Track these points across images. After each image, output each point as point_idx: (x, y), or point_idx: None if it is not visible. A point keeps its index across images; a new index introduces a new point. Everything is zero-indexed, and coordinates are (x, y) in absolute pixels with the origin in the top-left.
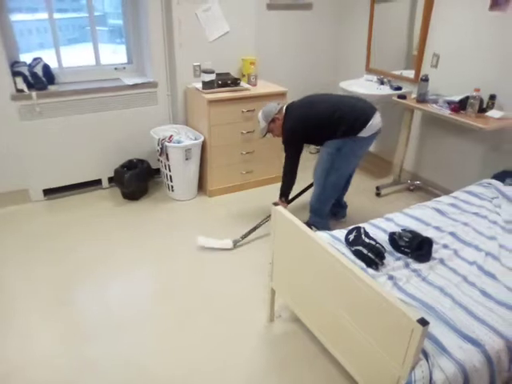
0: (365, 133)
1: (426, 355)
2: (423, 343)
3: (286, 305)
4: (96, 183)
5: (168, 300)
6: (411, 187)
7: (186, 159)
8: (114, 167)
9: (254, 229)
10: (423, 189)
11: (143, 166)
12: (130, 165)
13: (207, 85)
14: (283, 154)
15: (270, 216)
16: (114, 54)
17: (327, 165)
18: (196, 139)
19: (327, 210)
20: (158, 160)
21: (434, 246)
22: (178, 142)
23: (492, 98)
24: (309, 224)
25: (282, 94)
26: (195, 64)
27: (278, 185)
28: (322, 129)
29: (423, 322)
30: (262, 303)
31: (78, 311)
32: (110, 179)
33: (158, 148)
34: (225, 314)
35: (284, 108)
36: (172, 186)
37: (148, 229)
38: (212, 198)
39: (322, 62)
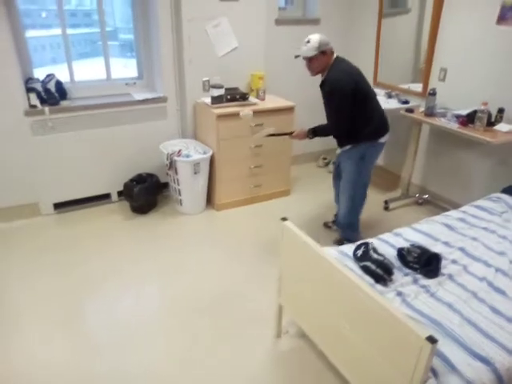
0: (384, 138)
1: (434, 373)
2: (432, 361)
3: (294, 320)
4: (105, 197)
5: (175, 314)
6: (420, 201)
7: (195, 173)
8: (123, 181)
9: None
10: (432, 202)
11: (152, 180)
12: (139, 179)
13: (216, 99)
14: (290, 168)
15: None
16: (125, 68)
17: (354, 176)
18: (205, 153)
19: (358, 221)
20: (167, 174)
21: (443, 262)
22: (187, 157)
23: (500, 111)
24: (341, 241)
25: (290, 109)
26: (204, 79)
27: (287, 198)
28: (360, 109)
29: (432, 340)
30: (269, 319)
31: (86, 324)
32: (120, 193)
33: (167, 162)
34: (232, 329)
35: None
36: (181, 200)
37: (156, 242)
38: (220, 211)
39: None
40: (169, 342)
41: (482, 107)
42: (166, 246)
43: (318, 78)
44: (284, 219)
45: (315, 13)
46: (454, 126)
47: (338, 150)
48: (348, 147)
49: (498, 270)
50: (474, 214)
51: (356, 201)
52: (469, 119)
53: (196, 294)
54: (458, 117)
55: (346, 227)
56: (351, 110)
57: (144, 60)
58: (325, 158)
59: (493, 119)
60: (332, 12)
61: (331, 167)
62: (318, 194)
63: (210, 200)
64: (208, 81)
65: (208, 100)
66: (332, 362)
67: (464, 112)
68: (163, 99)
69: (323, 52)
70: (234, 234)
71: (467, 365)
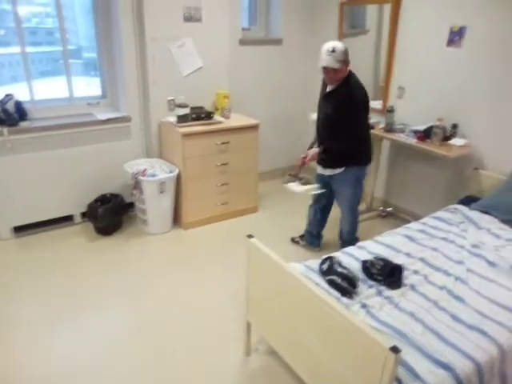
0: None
1: (399, 382)
2: (397, 371)
3: (263, 337)
4: (68, 219)
5: (142, 336)
6: (383, 214)
7: (161, 192)
8: (86, 202)
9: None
10: (395, 215)
11: (117, 200)
12: (103, 199)
13: (181, 119)
14: (257, 185)
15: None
16: (88, 86)
17: (353, 197)
18: (170, 172)
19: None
20: (132, 194)
21: (405, 273)
22: (153, 176)
23: (454, 126)
24: None
25: (255, 127)
26: (169, 98)
27: (255, 215)
28: (364, 126)
29: (396, 350)
30: (238, 337)
31: (47, 351)
32: (83, 214)
33: (132, 182)
34: (200, 349)
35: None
36: (146, 220)
37: (122, 264)
38: (187, 230)
39: (292, 95)
40: (135, 363)
41: (438, 123)
42: (132, 267)
43: (282, 96)
44: (250, 236)
45: (278, 33)
46: (413, 141)
47: (326, 172)
48: (341, 170)
49: (457, 278)
50: (434, 225)
51: (357, 216)
52: (426, 134)
53: (164, 315)
54: (415, 132)
55: (352, 242)
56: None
57: (108, 79)
58: (290, 174)
59: (448, 134)
60: (294, 32)
61: (297, 183)
62: (285, 209)
63: (176, 219)
64: (173, 100)
65: (173, 119)
66: (301, 377)
67: (421, 128)
68: (127, 118)
69: (347, 62)
70: (201, 252)
71: (430, 372)
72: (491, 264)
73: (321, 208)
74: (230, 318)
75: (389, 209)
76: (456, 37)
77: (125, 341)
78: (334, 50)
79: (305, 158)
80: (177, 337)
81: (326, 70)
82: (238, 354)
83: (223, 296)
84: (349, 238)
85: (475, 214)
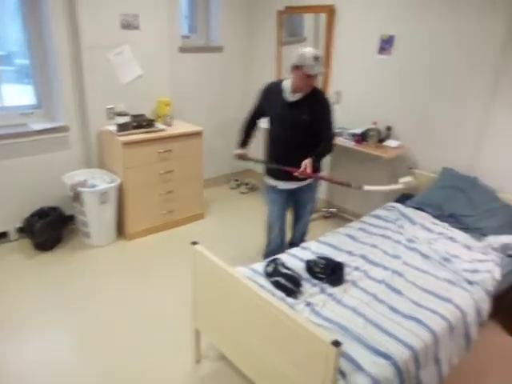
0: None
1: (343, 374)
2: (339, 364)
3: (212, 343)
4: (2, 236)
5: (91, 350)
6: (327, 215)
7: (102, 203)
8: (23, 217)
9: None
10: (338, 215)
11: (56, 213)
12: (41, 213)
13: (121, 127)
14: (203, 192)
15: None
16: (22, 94)
17: (314, 205)
18: (112, 182)
19: None
20: (73, 206)
21: (347, 269)
22: (93, 187)
23: (388, 129)
24: None
25: (198, 134)
26: (108, 107)
27: (202, 221)
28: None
29: (337, 344)
30: (188, 345)
31: None
32: (20, 230)
33: (72, 194)
34: (150, 360)
35: None
36: (88, 233)
37: (64, 279)
38: (132, 241)
39: (234, 101)
40: (87, 380)
41: (373, 126)
42: (75, 282)
43: (224, 102)
44: (194, 243)
45: (218, 40)
46: (351, 143)
47: (295, 185)
48: (308, 181)
49: (394, 272)
50: (373, 223)
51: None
52: (363, 137)
53: (111, 328)
54: (353, 135)
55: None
56: None
57: (42, 87)
58: (237, 180)
59: (383, 136)
60: (234, 40)
61: (243, 188)
62: (232, 215)
63: (120, 230)
64: (112, 108)
65: (113, 128)
66: (251, 378)
67: (358, 131)
68: (64, 128)
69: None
70: (147, 262)
71: (372, 363)
72: (424, 256)
73: (283, 227)
74: (179, 327)
75: (332, 210)
76: (386, 45)
77: (72, 356)
78: (318, 57)
79: (304, 169)
80: (126, 349)
81: (310, 76)
82: (188, 362)
83: (171, 305)
84: (299, 242)
85: (410, 211)
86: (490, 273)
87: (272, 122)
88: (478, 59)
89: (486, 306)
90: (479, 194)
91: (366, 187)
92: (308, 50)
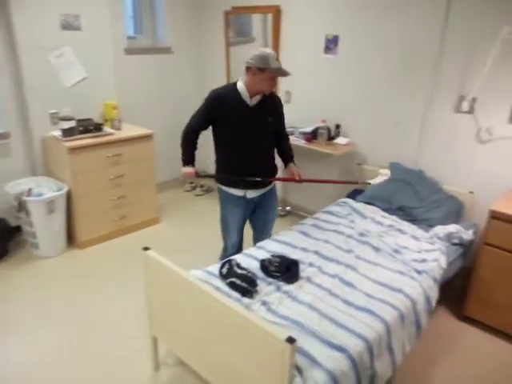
0: None
1: (299, 370)
2: (294, 360)
3: (170, 349)
4: None
5: (43, 367)
6: (282, 213)
7: (50, 212)
8: None
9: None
10: (293, 213)
11: (0, 225)
12: None
13: (67, 132)
14: (157, 196)
15: None
16: None
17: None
18: (59, 190)
19: None
20: (18, 217)
21: (301, 266)
22: (39, 195)
23: (337, 127)
24: None
25: (148, 136)
26: (52, 111)
27: (157, 226)
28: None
29: (291, 340)
30: (146, 353)
31: None
32: None
33: (16, 204)
34: (107, 371)
35: None
36: (37, 243)
37: (12, 294)
38: (84, 249)
39: (187, 102)
40: None
41: (322, 124)
42: (23, 296)
43: (175, 103)
44: (146, 249)
45: (166, 41)
46: (302, 142)
47: (262, 191)
48: (272, 185)
49: (347, 266)
50: (325, 219)
51: None
52: (313, 135)
53: (64, 341)
54: (304, 134)
55: None
56: None
57: None
58: (191, 183)
59: (332, 134)
60: (182, 40)
61: (199, 190)
62: (187, 218)
63: (71, 239)
64: (56, 113)
65: (58, 133)
66: (210, 382)
67: (309, 129)
68: (4, 135)
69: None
70: (100, 271)
71: (327, 356)
72: (376, 249)
73: (242, 237)
74: (136, 335)
75: (287, 208)
76: (331, 44)
77: (27, 370)
78: (277, 57)
79: (298, 178)
80: (82, 362)
81: (274, 78)
82: (147, 370)
83: (127, 313)
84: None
85: (360, 206)
86: (437, 261)
87: (233, 131)
88: (418, 58)
89: (434, 293)
90: (425, 187)
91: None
92: (269, 51)
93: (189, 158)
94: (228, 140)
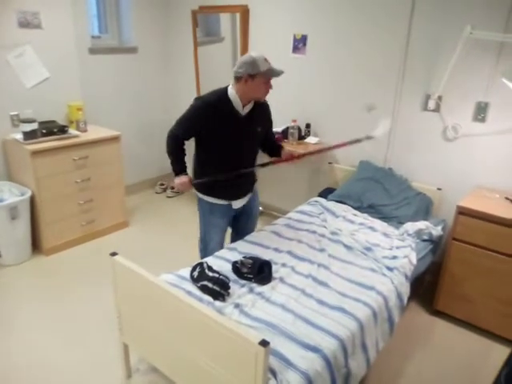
0: None
1: (274, 373)
2: (268, 363)
3: (142, 356)
4: None
5: (11, 381)
6: None
7: (13, 219)
8: None
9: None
10: (266, 213)
11: None
12: None
13: (28, 135)
14: (125, 199)
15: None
16: None
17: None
18: (22, 195)
19: None
20: None
21: (274, 267)
22: (1, 201)
23: (308, 126)
24: None
25: (115, 138)
26: (12, 113)
27: (126, 230)
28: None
29: (264, 344)
30: (117, 361)
31: None
32: None
33: None
34: (79, 381)
35: None
36: None
37: None
38: (50, 256)
39: (154, 102)
40: None
41: (292, 124)
42: None
43: (143, 103)
44: (113, 254)
45: (132, 41)
46: None
47: (246, 198)
48: (254, 188)
49: (320, 265)
50: (298, 219)
51: None
52: (284, 135)
53: (32, 353)
54: (275, 134)
55: None
56: None
57: None
58: (162, 184)
59: (303, 134)
60: (149, 40)
61: (170, 192)
62: (158, 220)
63: (36, 245)
64: (17, 115)
65: (19, 136)
66: None
67: (279, 129)
68: None
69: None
70: (67, 278)
71: (300, 357)
72: (348, 248)
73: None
74: (106, 343)
75: (260, 208)
76: (300, 44)
77: None
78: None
79: (297, 154)
80: (52, 372)
81: (268, 81)
82: (119, 378)
83: (96, 320)
84: None
85: (332, 204)
86: (408, 258)
87: (221, 143)
88: (385, 58)
89: (405, 290)
90: (394, 185)
91: (373, 133)
92: (256, 54)
93: (181, 167)
94: (214, 149)
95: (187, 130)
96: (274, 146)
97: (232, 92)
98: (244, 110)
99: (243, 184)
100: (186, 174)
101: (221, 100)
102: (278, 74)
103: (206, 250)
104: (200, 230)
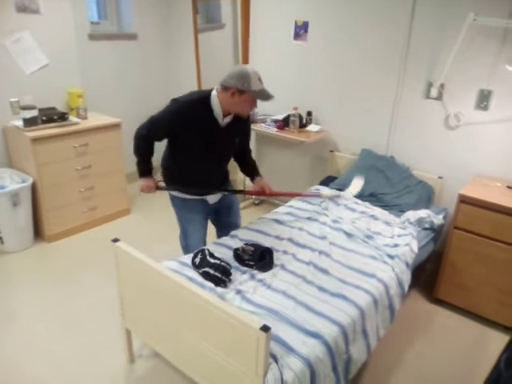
0: None
1: (275, 358)
2: (269, 348)
3: (145, 342)
4: None
5: (14, 367)
6: (256, 201)
7: (15, 205)
8: None
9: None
10: (268, 201)
11: None
12: None
13: (29, 122)
14: (127, 186)
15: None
16: None
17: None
18: (23, 182)
19: None
20: None
21: (275, 254)
22: (2, 188)
23: (309, 114)
24: None
25: (116, 125)
26: (12, 100)
27: (127, 217)
28: None
29: (266, 329)
30: (120, 346)
31: None
32: None
33: None
34: (82, 366)
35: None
36: (1, 238)
37: None
38: (52, 243)
39: (154, 89)
40: None
41: (294, 111)
42: None
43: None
44: (115, 240)
45: (131, 27)
46: (273, 130)
47: (218, 196)
48: (228, 182)
49: (321, 252)
50: (299, 207)
51: None
52: (285, 123)
53: (36, 338)
54: (275, 121)
55: None
56: None
57: None
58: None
59: (304, 121)
60: (149, 27)
61: None
62: (159, 208)
63: (38, 232)
64: (17, 102)
65: (19, 123)
66: (186, 373)
67: (280, 117)
68: None
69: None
70: (70, 264)
71: (302, 343)
72: (349, 235)
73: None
74: (110, 328)
75: (261, 196)
76: (301, 30)
77: None
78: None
79: (269, 191)
80: (56, 357)
81: (255, 100)
82: (122, 364)
83: (99, 307)
84: None
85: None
86: (409, 246)
87: (194, 150)
88: (388, 45)
89: (406, 277)
90: (396, 173)
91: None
92: (251, 70)
93: (147, 170)
94: (187, 153)
95: (160, 132)
96: (249, 164)
97: (215, 100)
98: (224, 121)
99: (214, 181)
100: (152, 177)
101: (201, 106)
102: (268, 98)
103: (187, 248)
104: (179, 227)
